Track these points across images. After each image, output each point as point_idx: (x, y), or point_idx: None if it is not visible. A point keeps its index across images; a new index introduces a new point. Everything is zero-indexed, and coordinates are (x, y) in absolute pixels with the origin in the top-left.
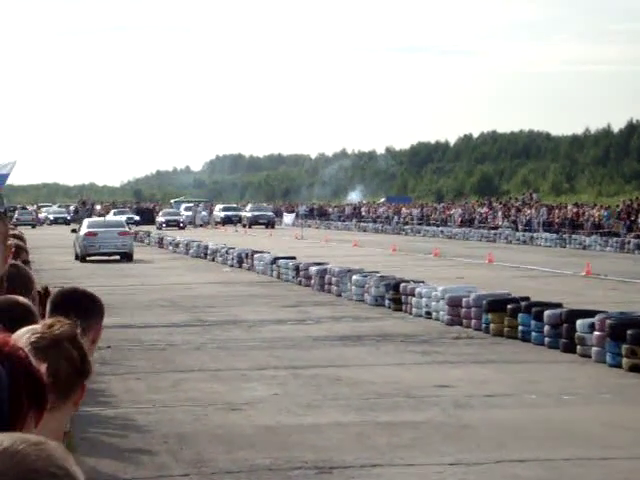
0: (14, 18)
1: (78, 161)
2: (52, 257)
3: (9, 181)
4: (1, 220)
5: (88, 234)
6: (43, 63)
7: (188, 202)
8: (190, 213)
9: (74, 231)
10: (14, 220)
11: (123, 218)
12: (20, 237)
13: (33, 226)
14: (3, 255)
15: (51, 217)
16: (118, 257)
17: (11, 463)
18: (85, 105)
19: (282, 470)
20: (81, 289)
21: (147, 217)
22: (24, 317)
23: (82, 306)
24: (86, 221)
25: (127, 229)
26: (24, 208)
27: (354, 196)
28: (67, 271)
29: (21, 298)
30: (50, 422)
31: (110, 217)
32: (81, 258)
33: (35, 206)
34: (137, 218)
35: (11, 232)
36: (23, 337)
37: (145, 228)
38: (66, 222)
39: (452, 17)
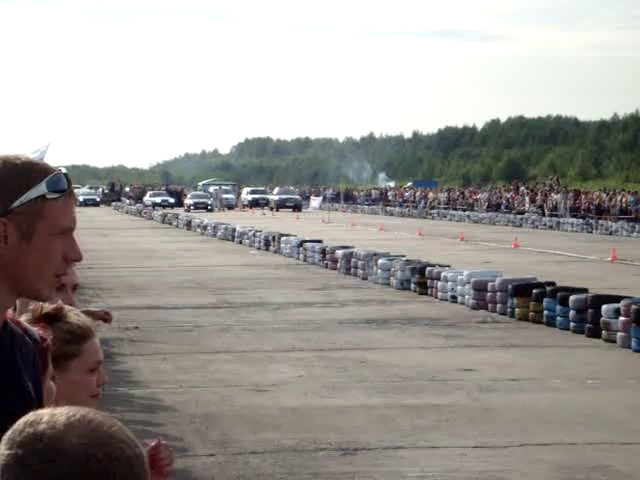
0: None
1: (108, 143)
2: (82, 239)
3: None
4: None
5: None
6: (74, 46)
7: (216, 185)
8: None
9: None
10: None
11: (158, 200)
12: None
13: None
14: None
15: (81, 199)
16: None
17: (90, 428)
18: (115, 87)
19: (307, 451)
20: None
21: (175, 199)
22: None
23: None
24: None
25: None
26: None
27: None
28: (97, 253)
29: None
30: None
31: (147, 198)
32: None
33: None
34: (172, 200)
35: None
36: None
37: (173, 210)
38: (95, 203)
39: (480, 2)
